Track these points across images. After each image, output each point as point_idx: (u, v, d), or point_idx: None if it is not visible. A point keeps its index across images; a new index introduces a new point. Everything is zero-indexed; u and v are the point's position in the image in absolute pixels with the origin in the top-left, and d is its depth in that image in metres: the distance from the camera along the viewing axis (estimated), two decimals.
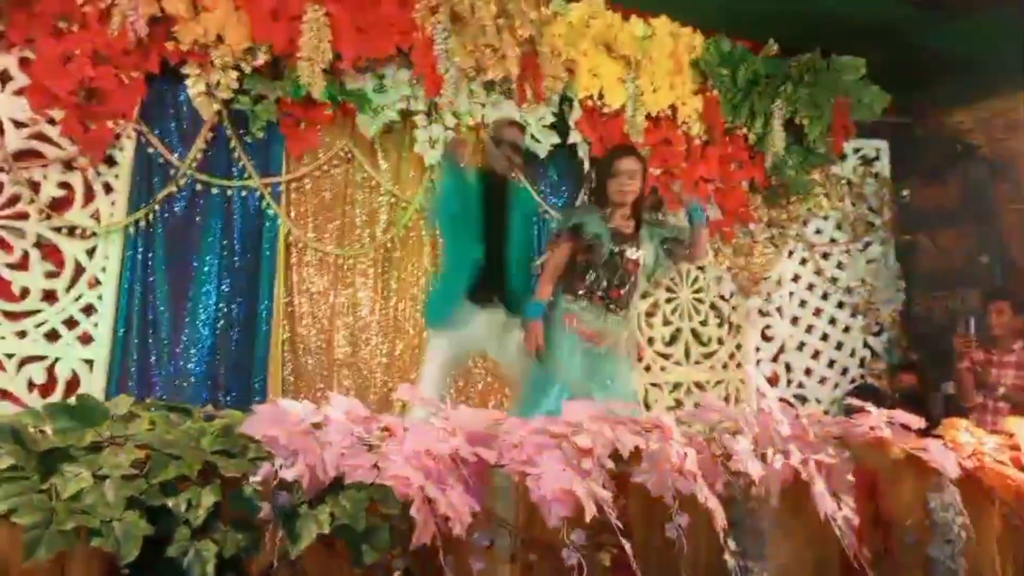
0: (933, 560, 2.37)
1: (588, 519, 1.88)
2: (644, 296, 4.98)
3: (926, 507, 2.40)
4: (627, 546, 1.91)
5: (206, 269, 4.11)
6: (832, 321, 5.60)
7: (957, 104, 5.55)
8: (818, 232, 5.64)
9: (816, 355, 5.54)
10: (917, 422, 2.45)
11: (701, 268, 5.26)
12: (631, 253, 3.37)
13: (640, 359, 4.92)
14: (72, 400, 1.79)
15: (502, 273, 3.48)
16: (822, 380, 5.51)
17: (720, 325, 5.31)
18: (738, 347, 5.34)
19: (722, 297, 5.32)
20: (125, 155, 4.05)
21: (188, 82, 4.00)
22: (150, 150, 4.07)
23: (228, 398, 4.01)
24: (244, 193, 4.22)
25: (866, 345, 5.62)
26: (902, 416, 2.46)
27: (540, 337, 3.27)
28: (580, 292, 3.35)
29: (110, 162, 4.04)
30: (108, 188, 4.05)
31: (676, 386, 5.10)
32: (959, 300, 5.44)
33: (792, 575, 2.18)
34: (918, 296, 5.66)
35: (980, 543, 2.43)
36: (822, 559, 2.23)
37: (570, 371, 3.25)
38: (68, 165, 3.93)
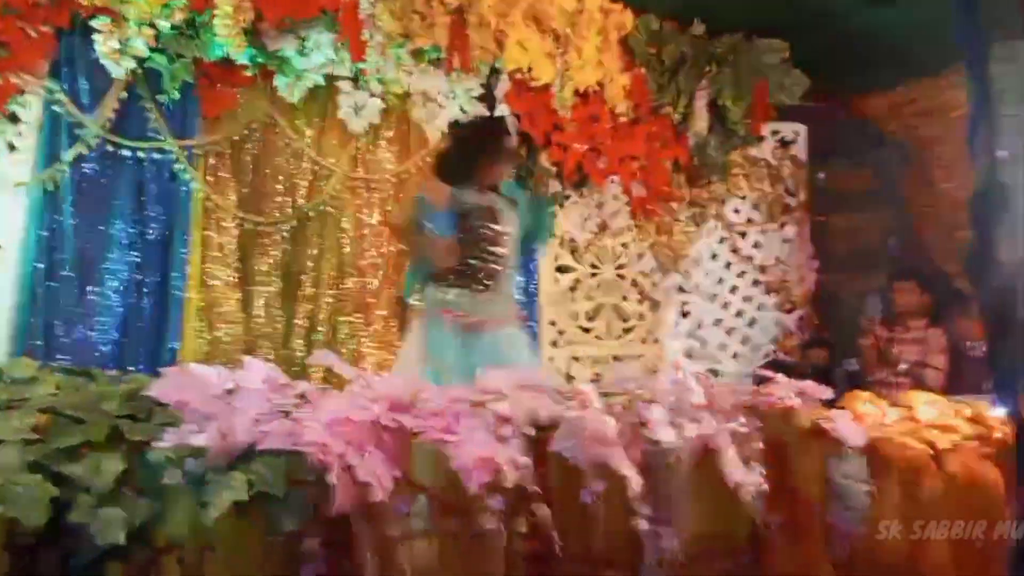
0: (835, 526, 2.47)
1: (507, 486, 1.90)
2: (563, 271, 5.02)
3: (829, 475, 2.49)
4: (545, 512, 1.94)
5: (116, 233, 3.96)
6: (747, 299, 5.75)
7: (873, 90, 5.73)
8: (736, 212, 5.77)
9: (731, 331, 5.69)
10: (824, 392, 2.54)
11: (624, 245, 5.33)
12: (496, 226, 3.30)
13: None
14: None
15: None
16: (736, 355, 5.67)
17: (641, 301, 5.39)
18: (657, 323, 5.44)
19: (643, 273, 5.41)
20: (31, 113, 3.86)
21: (98, 38, 3.82)
22: (58, 109, 3.89)
23: (139, 367, 3.89)
24: (158, 156, 4.07)
25: (778, 322, 5.80)
26: (810, 387, 2.55)
27: (456, 314, 3.20)
28: (452, 278, 3.26)
29: (14, 120, 3.84)
30: (12, 147, 3.85)
31: (597, 360, 5.17)
32: (868, 280, 5.66)
33: (702, 540, 2.24)
34: (830, 276, 5.86)
35: (879, 510, 2.54)
36: (731, 525, 2.30)
37: (452, 365, 3.15)
38: None
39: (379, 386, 2.03)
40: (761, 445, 2.33)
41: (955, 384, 4.30)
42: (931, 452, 2.70)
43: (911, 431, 2.73)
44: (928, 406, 2.89)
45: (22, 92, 3.78)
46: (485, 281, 3.26)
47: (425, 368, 3.14)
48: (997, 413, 2.86)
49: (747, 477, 2.25)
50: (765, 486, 2.27)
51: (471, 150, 3.39)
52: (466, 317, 3.22)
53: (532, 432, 2.05)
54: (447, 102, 4.53)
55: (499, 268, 3.32)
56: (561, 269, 5.06)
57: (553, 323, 4.98)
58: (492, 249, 3.27)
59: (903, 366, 4.56)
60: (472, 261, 3.24)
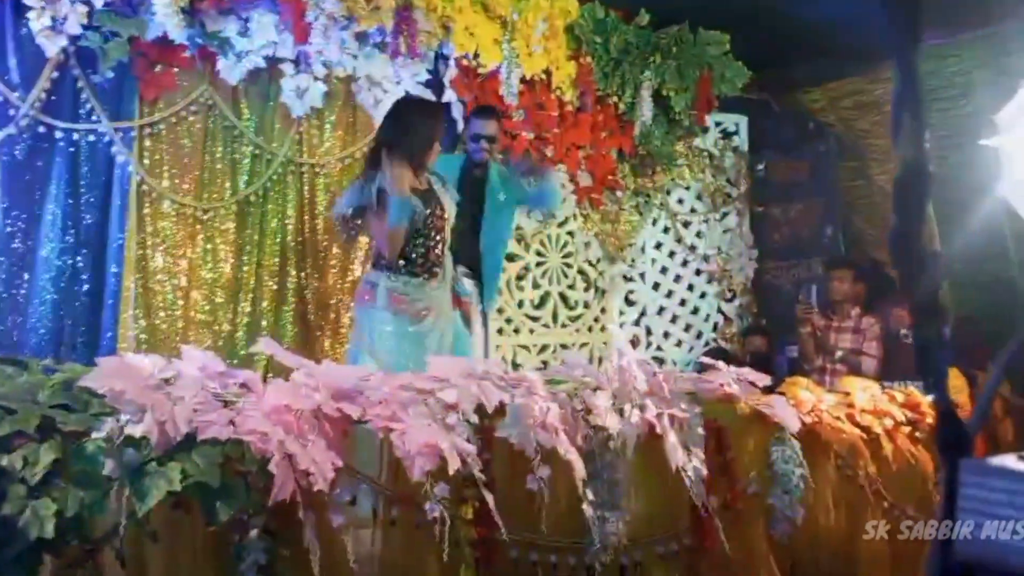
0: (773, 508, 2.53)
1: (452, 473, 1.90)
2: (511, 259, 5.02)
3: (768, 459, 2.56)
4: (490, 499, 1.95)
5: (50, 218, 3.82)
6: (690, 287, 5.83)
7: (812, 83, 5.85)
8: (680, 201, 5.84)
9: (674, 319, 5.77)
10: (763, 379, 2.60)
11: (571, 234, 5.35)
12: (436, 210, 3.22)
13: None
14: None
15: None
16: (679, 343, 5.75)
17: (587, 289, 5.43)
18: (603, 311, 5.49)
19: (589, 262, 5.45)
20: None
21: (31, 15, 3.67)
22: None
23: (74, 356, 3.77)
24: (92, 138, 3.93)
25: (719, 310, 5.90)
26: (750, 374, 2.61)
27: (404, 301, 3.15)
28: (401, 264, 3.17)
29: None
30: None
31: (543, 348, 5.19)
32: (805, 269, 5.80)
33: (645, 523, 2.28)
34: (768, 264, 5.99)
35: (816, 492, 2.61)
36: (673, 508, 2.35)
37: (400, 354, 3.08)
38: None
39: (322, 375, 2.00)
40: (702, 430, 2.37)
41: (890, 370, 4.43)
42: (866, 436, 2.79)
43: (847, 416, 2.81)
44: (863, 392, 2.98)
45: None
46: (434, 268, 3.23)
47: (374, 357, 3.10)
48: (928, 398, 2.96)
49: (689, 462, 2.29)
50: (705, 470, 2.32)
51: (426, 132, 3.26)
52: (414, 305, 3.18)
53: (477, 420, 2.05)
54: (392, 87, 4.48)
55: (443, 254, 3.29)
56: (508, 257, 5.07)
57: (500, 311, 4.98)
58: (438, 235, 3.24)
59: (839, 353, 4.68)
60: (419, 248, 3.19)
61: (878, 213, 5.73)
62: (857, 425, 2.80)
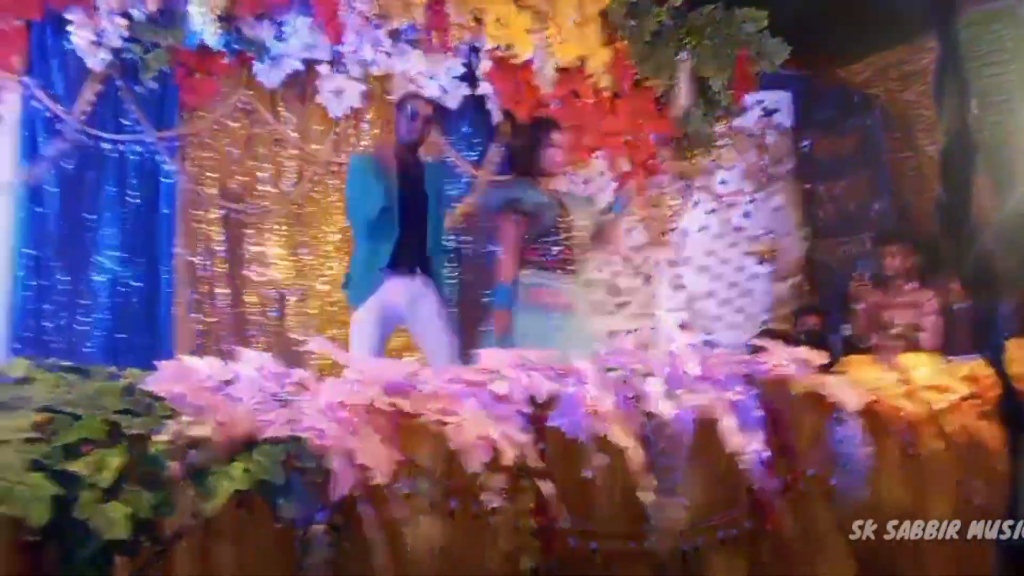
0: (835, 489, 2.49)
1: (507, 464, 1.90)
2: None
3: (828, 439, 2.51)
4: (546, 488, 1.94)
5: (102, 228, 3.93)
6: (739, 269, 5.76)
7: (855, 55, 5.72)
8: (724, 183, 5.76)
9: (724, 302, 5.70)
10: (819, 358, 2.55)
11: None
12: (567, 217, 3.42)
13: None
14: None
15: (421, 244, 3.49)
16: (730, 326, 5.68)
17: (633, 276, 5.39)
18: (650, 297, 5.45)
19: (634, 248, 5.41)
20: (8, 109, 3.82)
21: (73, 30, 3.76)
22: (36, 104, 3.84)
23: (132, 362, 3.85)
24: (139, 148, 4.03)
25: (770, 291, 5.82)
26: (805, 354, 2.56)
27: (508, 325, 3.25)
28: (534, 261, 3.36)
29: None
30: None
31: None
32: (856, 245, 5.68)
33: (704, 508, 2.26)
34: (819, 242, 5.88)
35: (878, 472, 2.56)
36: (732, 492, 2.32)
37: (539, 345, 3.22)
38: None
39: (374, 370, 2.02)
40: (758, 413, 2.33)
41: (949, 344, 4.32)
42: (928, 413, 2.72)
43: (907, 393, 2.74)
44: (923, 368, 2.91)
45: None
46: (568, 266, 3.39)
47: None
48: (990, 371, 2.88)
49: (746, 445, 2.26)
50: (764, 453, 2.28)
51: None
52: (551, 295, 3.31)
53: (530, 410, 2.05)
54: (427, 82, 4.49)
55: (577, 254, 3.46)
56: None
57: None
58: (568, 236, 3.43)
59: (896, 329, 4.57)
60: (553, 245, 3.37)
61: (928, 184, 5.58)
62: (918, 402, 2.73)
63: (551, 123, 3.57)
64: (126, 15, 3.79)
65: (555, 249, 3.37)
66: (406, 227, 3.43)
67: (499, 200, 3.47)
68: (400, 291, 3.45)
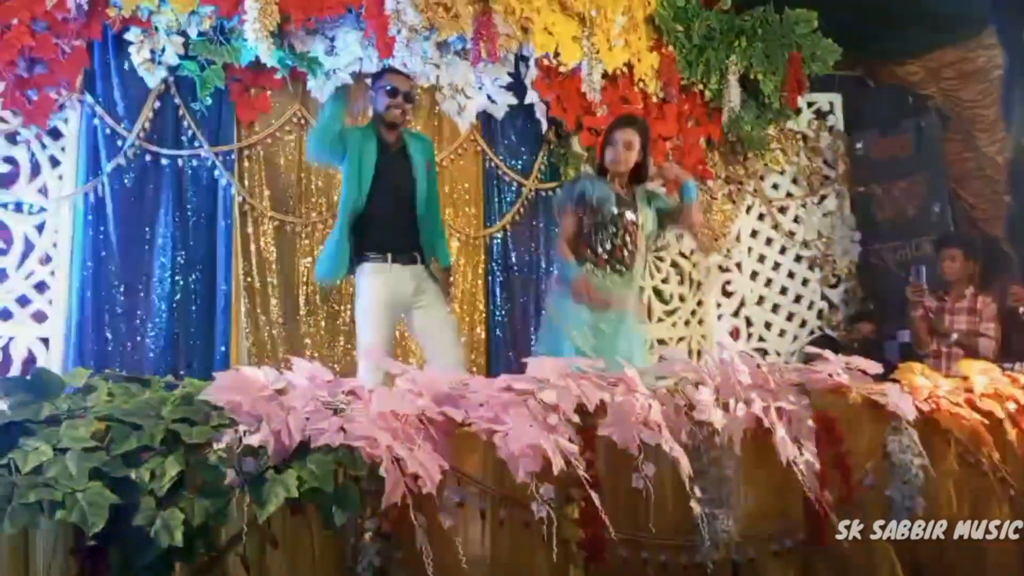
0: (892, 500, 2.43)
1: (556, 473, 1.90)
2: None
3: (884, 449, 2.45)
4: (595, 498, 1.94)
5: (161, 241, 4.04)
6: (790, 275, 5.67)
7: (908, 55, 5.60)
8: (775, 187, 5.69)
9: (775, 309, 5.62)
10: (874, 367, 2.50)
11: (661, 226, 5.27)
12: (629, 215, 3.41)
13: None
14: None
15: (414, 228, 3.37)
16: (781, 333, 5.60)
17: (681, 282, 5.35)
18: (699, 304, 5.39)
19: (683, 255, 5.36)
20: (71, 127, 3.97)
21: (132, 49, 3.88)
22: (96, 121, 3.97)
23: (190, 372, 3.96)
24: (195, 163, 4.14)
25: (823, 297, 5.72)
26: (859, 362, 2.51)
27: (590, 289, 3.26)
28: (586, 255, 3.37)
29: (55, 135, 3.94)
30: (55, 161, 3.95)
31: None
32: (913, 249, 5.54)
33: (757, 520, 2.22)
34: (873, 247, 5.75)
35: (937, 483, 2.50)
36: (785, 503, 2.28)
37: (582, 338, 3.25)
38: (12, 139, 3.82)
39: (424, 380, 2.04)
40: (812, 422, 2.30)
41: (1010, 351, 4.19)
42: (988, 422, 2.64)
43: (966, 401, 2.67)
44: (983, 375, 2.83)
45: (61, 107, 3.87)
46: (618, 264, 3.39)
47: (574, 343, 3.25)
48: None
49: (800, 455, 2.22)
50: (817, 463, 2.24)
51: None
52: (598, 290, 3.30)
53: (579, 419, 2.04)
54: (475, 93, 4.52)
55: (631, 253, 3.45)
56: None
57: None
58: (627, 236, 3.42)
59: (955, 336, 4.44)
60: (607, 242, 3.36)
61: (989, 186, 5.43)
62: (978, 410, 2.66)
63: (624, 121, 3.55)
64: (182, 33, 3.90)
65: (607, 245, 3.37)
66: (390, 208, 3.30)
67: (566, 192, 3.51)
68: (405, 279, 3.32)
